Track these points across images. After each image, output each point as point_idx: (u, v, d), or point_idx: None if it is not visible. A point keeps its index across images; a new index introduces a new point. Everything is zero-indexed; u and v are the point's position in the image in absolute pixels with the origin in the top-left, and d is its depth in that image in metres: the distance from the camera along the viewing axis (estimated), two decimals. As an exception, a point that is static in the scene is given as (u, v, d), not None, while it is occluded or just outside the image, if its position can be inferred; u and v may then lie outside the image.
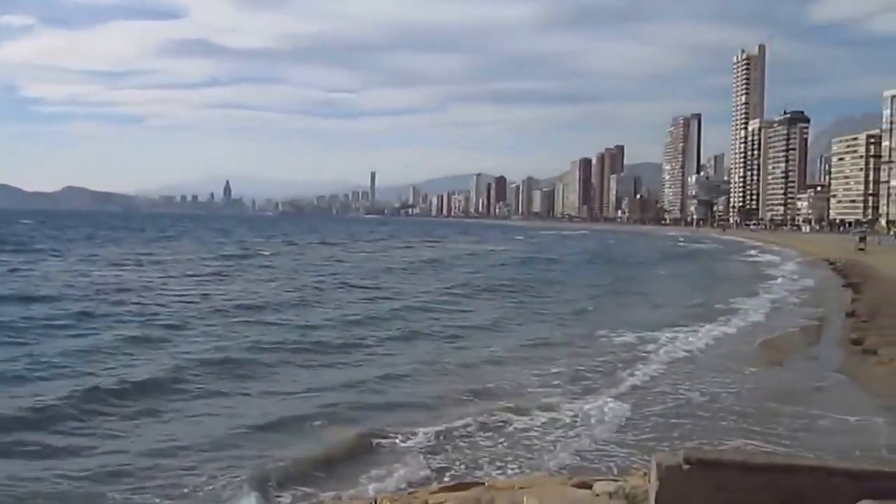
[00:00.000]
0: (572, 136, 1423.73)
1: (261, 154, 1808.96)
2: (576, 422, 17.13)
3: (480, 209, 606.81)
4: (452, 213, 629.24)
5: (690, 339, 29.51)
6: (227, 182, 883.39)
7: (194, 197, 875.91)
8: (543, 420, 17.12)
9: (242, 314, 34.76)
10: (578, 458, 14.62)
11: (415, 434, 15.68)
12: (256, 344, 26.35)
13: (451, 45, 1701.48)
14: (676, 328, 31.92)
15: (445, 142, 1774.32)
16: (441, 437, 15.64)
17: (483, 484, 10.18)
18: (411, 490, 10.80)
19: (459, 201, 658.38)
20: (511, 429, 16.45)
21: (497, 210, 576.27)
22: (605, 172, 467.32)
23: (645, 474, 7.94)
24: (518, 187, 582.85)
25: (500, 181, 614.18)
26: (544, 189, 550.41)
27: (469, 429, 16.24)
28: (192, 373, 21.56)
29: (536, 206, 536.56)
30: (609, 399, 19.09)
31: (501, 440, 15.67)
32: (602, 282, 58.10)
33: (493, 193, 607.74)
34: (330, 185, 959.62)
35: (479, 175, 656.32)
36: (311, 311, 36.86)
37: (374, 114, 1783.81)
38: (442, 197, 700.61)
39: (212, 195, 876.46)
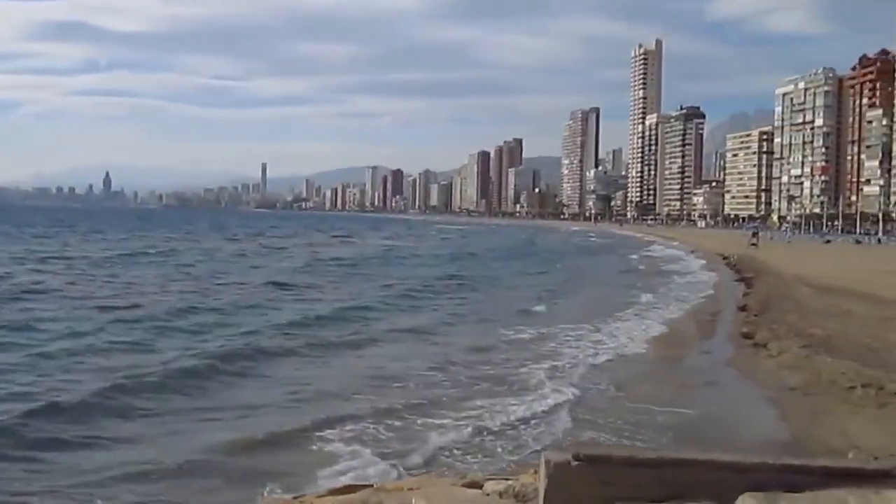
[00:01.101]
0: (471, 128, 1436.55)
1: (143, 144, 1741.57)
2: (474, 422, 16.95)
3: (376, 203, 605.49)
4: (347, 207, 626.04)
5: (594, 336, 29.84)
6: (107, 173, 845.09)
7: (71, 189, 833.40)
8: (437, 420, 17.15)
9: (164, 320, 31.30)
10: (466, 455, 14.77)
11: (331, 440, 15.39)
12: (187, 355, 23.73)
13: (346, 33, 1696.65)
14: (580, 325, 32.19)
15: (339, 133, 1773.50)
16: (358, 445, 15.14)
17: (372, 486, 10.12)
18: (297, 495, 10.36)
19: (354, 195, 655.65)
20: (415, 427, 16.57)
21: (393, 204, 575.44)
22: (503, 166, 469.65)
23: (535, 472, 7.64)
24: (415, 181, 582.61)
25: (397, 174, 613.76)
26: (442, 183, 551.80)
27: (381, 434, 16.04)
28: (127, 391, 19.01)
29: (434, 200, 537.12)
30: (487, 400, 19.04)
31: (408, 444, 15.41)
32: (537, 281, 57.43)
33: (389, 187, 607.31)
34: (218, 176, 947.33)
35: (374, 168, 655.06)
36: (245, 316, 33.78)
37: (264, 103, 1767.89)
38: (336, 190, 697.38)
39: (90, 187, 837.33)
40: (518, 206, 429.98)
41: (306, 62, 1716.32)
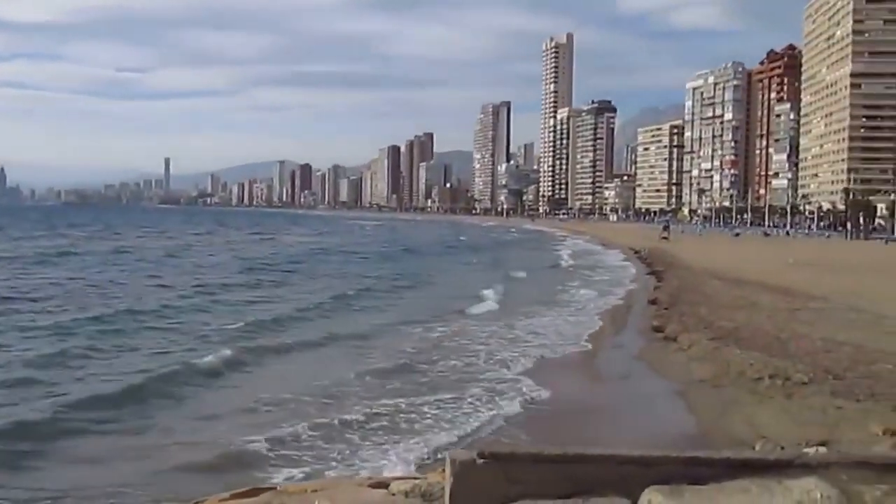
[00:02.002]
0: (380, 122, 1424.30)
1: (41, 138, 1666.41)
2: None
3: (284, 198, 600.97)
4: (255, 203, 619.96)
5: (510, 334, 29.99)
6: (2, 169, 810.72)
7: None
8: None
9: (81, 327, 29.10)
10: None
11: (252, 442, 15.30)
12: (113, 371, 22.26)
13: (253, 23, 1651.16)
14: (511, 323, 32.61)
15: (246, 127, 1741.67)
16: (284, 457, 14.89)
17: (274, 489, 9.82)
18: (198, 500, 9.90)
19: (262, 190, 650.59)
20: (336, 426, 16.65)
21: (302, 199, 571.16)
22: (414, 160, 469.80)
23: (442, 471, 7.23)
24: (324, 175, 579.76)
25: (305, 169, 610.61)
26: (351, 177, 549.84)
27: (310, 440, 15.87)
28: (58, 409, 17.61)
29: (343, 196, 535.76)
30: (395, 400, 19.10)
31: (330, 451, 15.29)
32: (474, 279, 55.83)
33: (297, 182, 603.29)
34: (119, 172, 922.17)
35: (282, 162, 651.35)
36: (174, 321, 31.89)
37: (167, 95, 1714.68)
38: (243, 185, 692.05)
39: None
40: (429, 200, 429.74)
41: (212, 53, 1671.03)
